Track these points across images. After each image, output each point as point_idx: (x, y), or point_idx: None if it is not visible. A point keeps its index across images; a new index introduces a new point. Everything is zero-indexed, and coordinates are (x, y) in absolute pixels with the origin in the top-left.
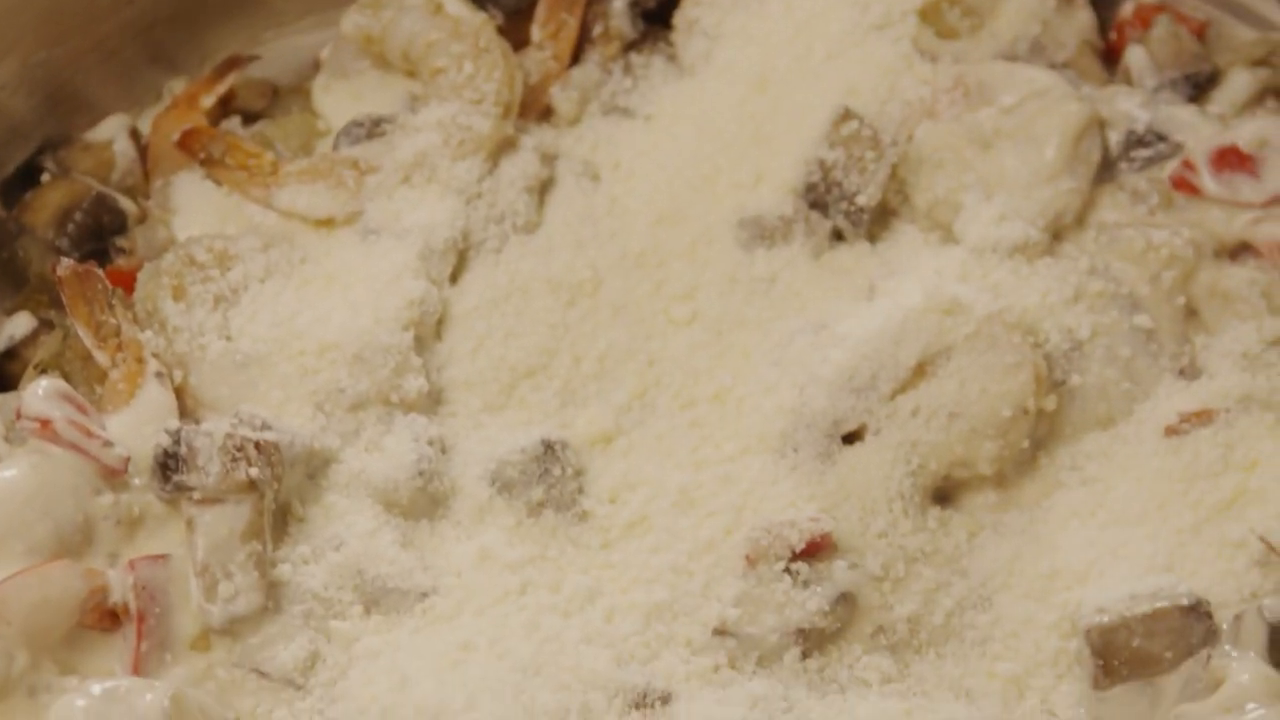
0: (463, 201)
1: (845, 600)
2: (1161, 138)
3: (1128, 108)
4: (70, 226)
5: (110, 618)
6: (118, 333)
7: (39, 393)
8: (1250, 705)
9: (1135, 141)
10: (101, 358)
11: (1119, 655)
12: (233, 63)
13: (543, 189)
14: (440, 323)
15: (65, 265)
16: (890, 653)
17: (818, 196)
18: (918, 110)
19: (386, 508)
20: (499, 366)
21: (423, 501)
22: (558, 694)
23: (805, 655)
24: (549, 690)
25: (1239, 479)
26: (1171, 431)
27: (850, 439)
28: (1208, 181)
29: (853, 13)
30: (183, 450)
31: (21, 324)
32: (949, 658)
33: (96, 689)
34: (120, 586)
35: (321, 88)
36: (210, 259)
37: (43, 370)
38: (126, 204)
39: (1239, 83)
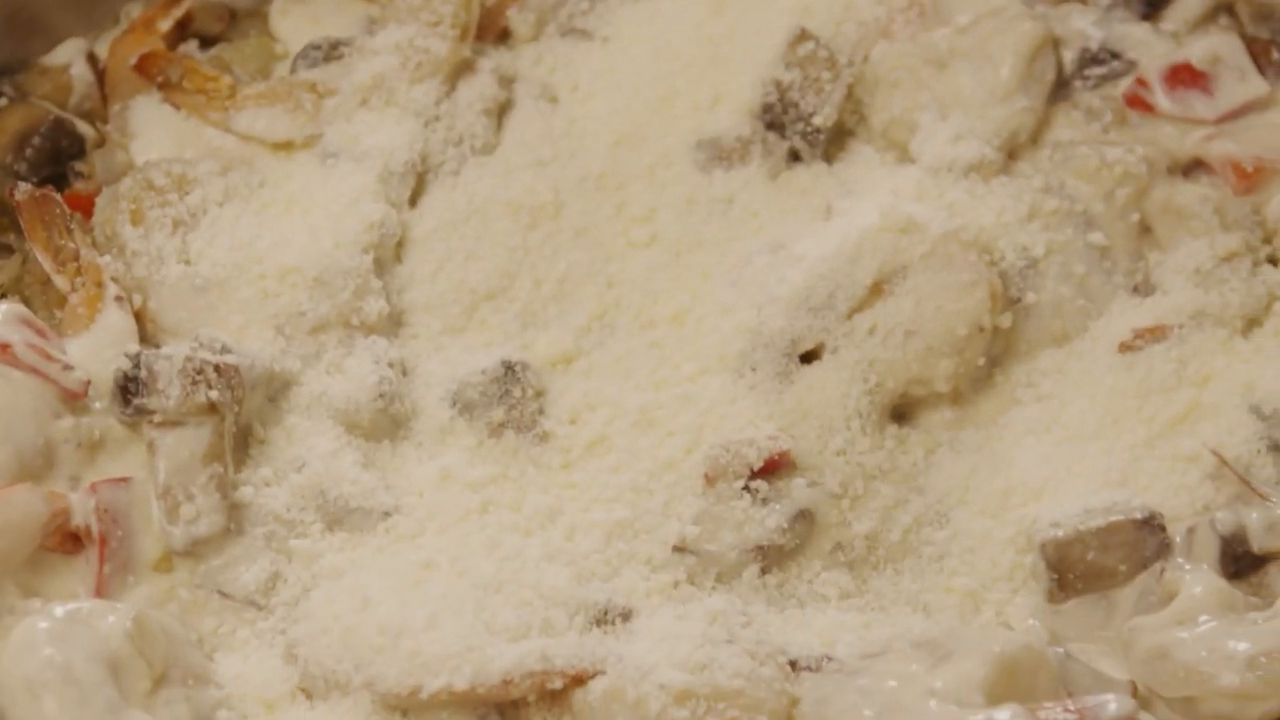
0: (421, 124)
1: (804, 517)
2: (1115, 55)
3: (1082, 26)
4: (28, 151)
5: (72, 540)
6: (76, 257)
7: None
8: (1203, 617)
9: (1089, 59)
10: (60, 282)
11: (1074, 569)
12: None
13: (500, 111)
14: (400, 245)
15: (23, 190)
16: (848, 569)
17: (774, 118)
18: (873, 30)
19: (348, 429)
20: (459, 289)
21: (384, 423)
22: (519, 611)
23: (764, 572)
24: (510, 607)
25: (1192, 394)
26: (1126, 347)
27: (808, 358)
28: (1161, 99)
29: None
30: (143, 374)
31: None
32: (906, 574)
33: (59, 611)
34: (82, 509)
35: (279, 11)
36: (168, 183)
37: (2, 295)
38: (85, 128)
39: (1192, 0)
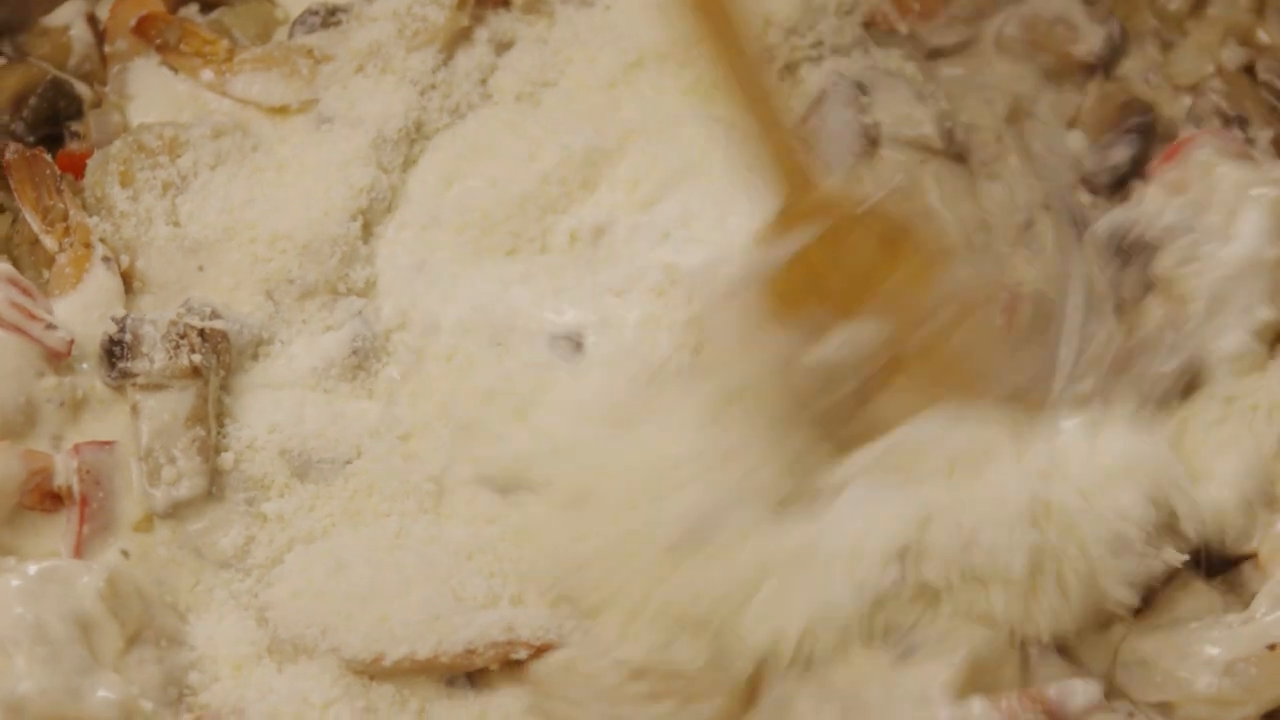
0: (417, 92)
1: None
2: None
3: None
4: (25, 111)
5: (52, 499)
6: (65, 217)
7: None
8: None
9: None
10: (48, 242)
11: None
12: None
13: None
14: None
15: (13, 150)
16: None
17: None
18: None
19: (318, 384)
20: None
21: (362, 376)
22: (490, 580)
23: None
24: (481, 576)
25: None
26: None
27: None
28: None
29: None
30: (128, 337)
31: None
32: None
33: (31, 569)
34: (65, 470)
35: None
36: (160, 146)
37: None
38: (82, 89)
39: None
